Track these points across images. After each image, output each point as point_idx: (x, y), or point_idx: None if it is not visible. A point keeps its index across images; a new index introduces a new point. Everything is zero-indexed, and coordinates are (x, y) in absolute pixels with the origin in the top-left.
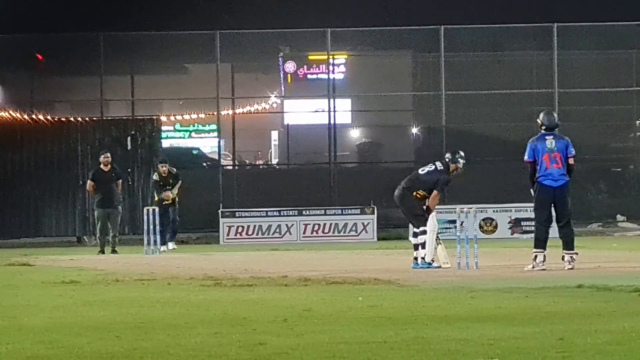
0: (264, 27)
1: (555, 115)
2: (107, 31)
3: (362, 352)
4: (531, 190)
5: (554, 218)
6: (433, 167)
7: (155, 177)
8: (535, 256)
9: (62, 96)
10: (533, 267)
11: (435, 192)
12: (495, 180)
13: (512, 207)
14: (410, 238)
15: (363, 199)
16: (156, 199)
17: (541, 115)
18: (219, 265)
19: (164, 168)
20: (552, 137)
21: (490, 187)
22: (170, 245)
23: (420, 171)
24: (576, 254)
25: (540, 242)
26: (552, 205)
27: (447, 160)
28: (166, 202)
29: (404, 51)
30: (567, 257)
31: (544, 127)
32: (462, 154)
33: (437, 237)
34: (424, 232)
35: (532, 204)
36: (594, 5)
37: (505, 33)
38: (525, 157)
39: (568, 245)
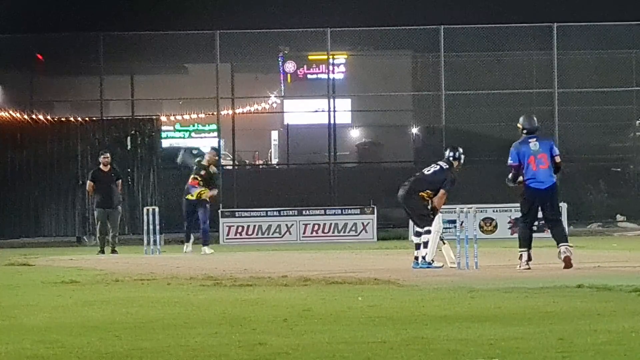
0: (264, 27)
1: (535, 118)
2: (107, 31)
3: (362, 352)
4: (510, 184)
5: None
6: (438, 167)
7: (198, 159)
8: (521, 255)
9: (62, 96)
10: (520, 266)
11: (442, 191)
12: (495, 180)
13: (512, 207)
14: (412, 237)
15: (363, 199)
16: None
17: (521, 119)
18: (219, 265)
19: (210, 157)
20: (535, 139)
21: (490, 187)
22: (206, 249)
23: (425, 171)
24: (571, 246)
25: (525, 242)
26: (540, 206)
27: (450, 158)
28: (189, 197)
29: (404, 51)
30: (562, 248)
31: (525, 131)
32: (461, 150)
33: (442, 237)
34: (429, 232)
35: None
36: (594, 5)
37: (505, 33)
38: (510, 161)
39: (561, 239)
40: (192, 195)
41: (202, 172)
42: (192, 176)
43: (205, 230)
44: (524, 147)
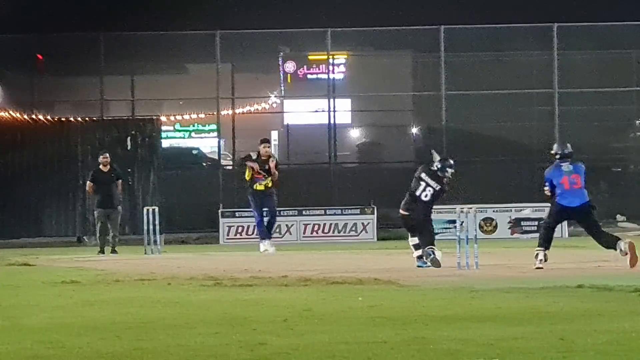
0: (264, 27)
1: (569, 145)
2: (107, 31)
3: (362, 352)
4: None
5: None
6: (432, 190)
7: (253, 155)
8: (537, 254)
9: (62, 96)
10: (535, 265)
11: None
12: (495, 180)
13: (512, 207)
14: (411, 238)
15: (363, 199)
16: (247, 176)
17: (555, 146)
18: (219, 265)
19: (268, 148)
20: (568, 162)
21: (490, 187)
22: (266, 244)
23: (425, 196)
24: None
25: (544, 242)
26: (566, 220)
27: (436, 171)
28: (258, 188)
29: (404, 51)
30: (621, 245)
31: (558, 156)
32: (451, 162)
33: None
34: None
35: (534, 204)
36: (594, 5)
37: (505, 33)
38: (545, 188)
39: (611, 243)
40: (261, 185)
41: (266, 167)
42: (255, 171)
43: (273, 223)
44: (557, 170)
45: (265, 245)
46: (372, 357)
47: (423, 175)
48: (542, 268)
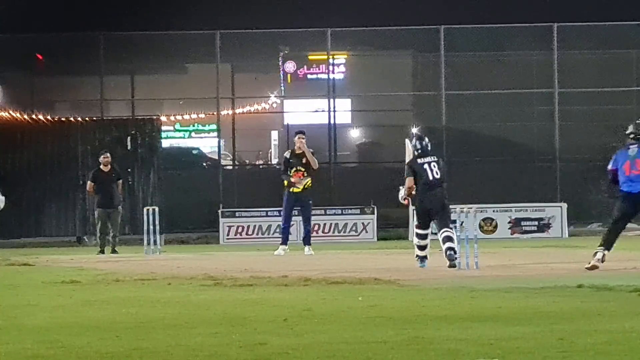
0: (264, 27)
1: None
2: (107, 31)
3: (362, 352)
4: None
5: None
6: (436, 161)
7: (287, 154)
8: (596, 253)
9: (62, 96)
10: (590, 262)
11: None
12: (495, 180)
13: (512, 207)
14: (416, 239)
15: (363, 199)
16: (285, 182)
17: (630, 126)
18: (219, 265)
19: (303, 139)
20: (636, 146)
21: (490, 187)
22: (307, 250)
23: (432, 175)
24: None
25: (606, 243)
26: (633, 210)
27: (423, 149)
28: (295, 190)
29: (404, 51)
30: None
31: (632, 136)
32: (419, 135)
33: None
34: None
35: (534, 204)
36: (594, 5)
37: (505, 33)
38: (609, 166)
39: None
40: (298, 188)
41: (304, 160)
42: (292, 170)
43: (309, 230)
44: (623, 152)
45: (281, 250)
46: (372, 357)
47: (419, 161)
48: (597, 267)
